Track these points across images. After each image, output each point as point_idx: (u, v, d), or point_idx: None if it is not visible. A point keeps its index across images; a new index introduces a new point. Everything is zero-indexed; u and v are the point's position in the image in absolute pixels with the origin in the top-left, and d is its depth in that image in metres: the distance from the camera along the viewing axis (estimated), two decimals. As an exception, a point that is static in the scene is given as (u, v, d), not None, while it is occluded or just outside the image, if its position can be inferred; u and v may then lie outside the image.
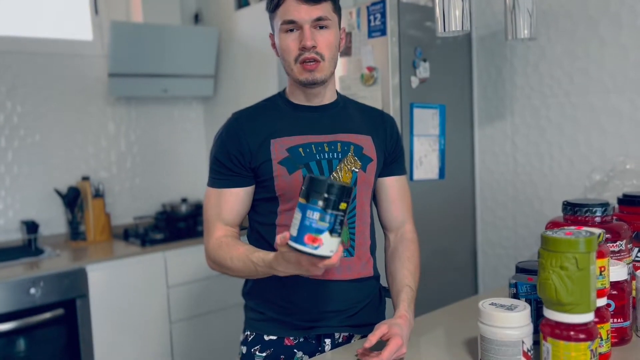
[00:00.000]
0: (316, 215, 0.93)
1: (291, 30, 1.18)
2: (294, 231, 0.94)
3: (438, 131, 2.05)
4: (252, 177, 1.24)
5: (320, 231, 0.93)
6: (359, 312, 1.29)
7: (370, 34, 1.93)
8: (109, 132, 2.93)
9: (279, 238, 0.98)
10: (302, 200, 0.94)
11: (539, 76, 2.02)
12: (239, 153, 1.22)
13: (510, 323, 1.01)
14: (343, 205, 0.93)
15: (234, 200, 1.24)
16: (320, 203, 0.92)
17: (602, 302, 1.07)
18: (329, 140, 1.25)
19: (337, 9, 1.23)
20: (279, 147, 1.22)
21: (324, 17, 1.17)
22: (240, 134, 1.23)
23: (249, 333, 1.31)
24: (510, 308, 1.04)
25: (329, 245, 0.94)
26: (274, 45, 1.26)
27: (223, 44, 3.06)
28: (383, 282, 1.37)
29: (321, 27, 1.19)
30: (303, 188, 0.95)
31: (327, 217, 0.93)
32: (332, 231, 0.93)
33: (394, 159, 1.35)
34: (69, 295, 2.25)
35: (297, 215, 0.95)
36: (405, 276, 1.27)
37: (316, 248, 0.93)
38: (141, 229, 2.83)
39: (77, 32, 2.88)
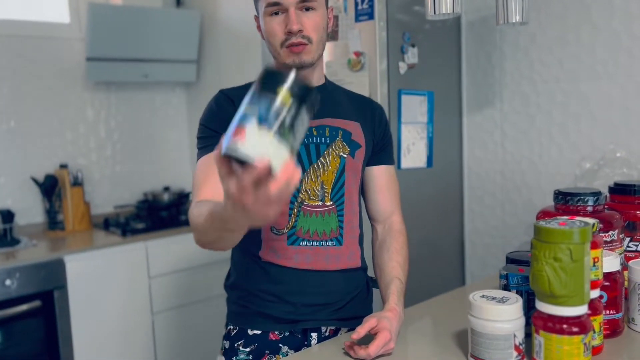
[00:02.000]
0: (246, 100, 0.68)
1: (276, 13, 1.14)
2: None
3: (426, 118, 2.01)
4: None
5: (244, 118, 0.66)
6: (346, 305, 1.25)
7: (357, 18, 1.87)
8: (88, 118, 2.85)
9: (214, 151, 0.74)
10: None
11: (529, 62, 1.98)
12: (229, 119, 1.17)
13: (501, 316, 0.98)
14: (284, 95, 0.66)
15: None
16: (254, 87, 0.68)
17: (595, 293, 1.04)
18: (317, 125, 1.21)
19: None
20: None
21: None
22: (230, 105, 1.19)
23: (232, 327, 1.27)
24: (501, 300, 1.01)
25: (252, 140, 0.65)
26: (259, 27, 1.22)
27: (206, 28, 2.98)
28: (370, 273, 1.34)
29: (307, 9, 1.14)
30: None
31: (256, 101, 0.66)
32: (262, 121, 0.65)
33: (382, 147, 1.32)
34: (46, 287, 2.19)
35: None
36: (394, 268, 1.23)
37: (235, 145, 0.65)
38: (122, 218, 2.76)
39: (53, 14, 2.77)
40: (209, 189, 1.09)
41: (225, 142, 0.67)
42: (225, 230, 0.89)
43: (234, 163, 0.68)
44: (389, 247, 1.27)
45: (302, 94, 0.68)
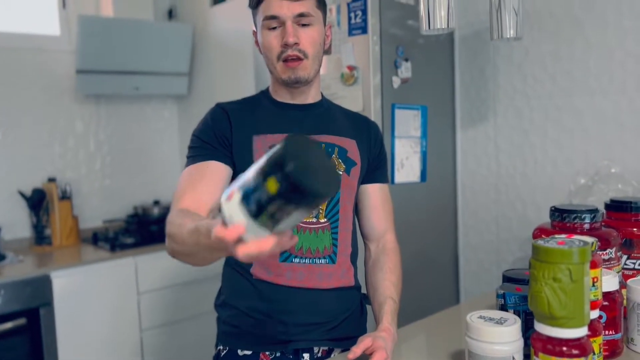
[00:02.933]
0: (254, 165, 0.67)
1: (273, 27, 1.14)
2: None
3: (420, 133, 2.00)
4: (232, 161, 1.16)
5: (236, 185, 0.68)
6: (339, 324, 1.22)
7: (350, 32, 1.86)
8: (77, 131, 2.81)
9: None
10: None
11: (523, 77, 1.98)
12: (223, 134, 1.16)
13: (500, 338, 0.95)
14: (271, 183, 0.62)
15: (210, 173, 1.13)
16: (264, 156, 0.66)
17: (594, 314, 1.02)
18: None
19: (321, 5, 1.19)
20: (261, 144, 1.17)
21: (307, 13, 1.13)
22: (226, 119, 1.18)
23: (221, 347, 1.23)
24: (499, 322, 0.98)
25: (233, 208, 0.67)
26: (257, 42, 1.22)
27: (198, 41, 2.96)
28: (364, 291, 1.31)
29: (304, 24, 1.14)
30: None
31: (247, 179, 0.66)
32: (243, 197, 0.66)
33: (377, 165, 1.31)
34: (31, 304, 2.13)
35: None
36: (388, 288, 1.21)
37: (227, 199, 0.68)
38: (111, 232, 2.72)
39: (44, 26, 2.75)
40: (191, 197, 1.08)
41: (227, 189, 0.69)
42: (207, 250, 0.85)
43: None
44: (383, 266, 1.25)
45: (292, 196, 0.63)
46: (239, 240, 0.67)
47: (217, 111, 1.21)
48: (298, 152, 0.63)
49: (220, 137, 1.16)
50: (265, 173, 0.63)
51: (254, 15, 1.18)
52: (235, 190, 0.67)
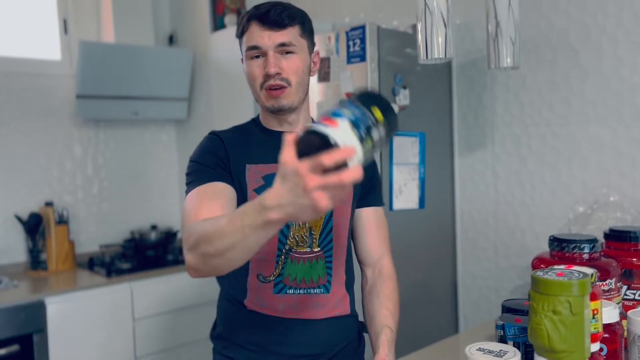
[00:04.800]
0: (343, 107, 0.75)
1: (257, 57, 1.15)
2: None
3: (418, 159, 2.00)
4: (234, 185, 1.13)
5: (339, 115, 0.73)
6: (335, 356, 1.21)
7: (349, 60, 1.87)
8: (75, 155, 2.81)
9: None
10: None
11: (520, 105, 1.99)
12: (222, 157, 1.15)
13: (500, 372, 0.93)
14: (377, 113, 0.74)
15: (221, 193, 1.08)
16: (352, 97, 0.77)
17: (595, 347, 1.00)
18: None
19: (306, 33, 1.18)
20: (254, 174, 1.16)
21: (289, 42, 1.13)
22: (222, 146, 1.17)
23: (216, 378, 1.21)
24: (499, 354, 0.97)
25: (341, 133, 0.71)
26: (245, 70, 1.21)
27: (198, 66, 2.99)
28: (361, 318, 1.29)
29: (287, 52, 1.14)
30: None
31: (353, 109, 0.74)
32: (354, 123, 0.72)
33: (370, 189, 1.30)
34: (25, 330, 2.11)
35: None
36: (385, 316, 1.19)
37: (326, 126, 0.71)
38: (107, 257, 2.70)
39: (45, 51, 2.77)
40: (207, 212, 1.01)
41: (312, 126, 0.73)
42: (254, 231, 0.79)
43: (306, 145, 0.72)
44: (379, 293, 1.23)
45: (391, 122, 0.76)
46: (343, 167, 0.68)
47: (213, 138, 1.20)
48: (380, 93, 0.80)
49: (220, 160, 1.15)
50: (367, 104, 0.74)
51: (240, 44, 1.19)
52: (336, 120, 0.72)
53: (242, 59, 1.21)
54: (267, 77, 1.13)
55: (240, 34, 1.17)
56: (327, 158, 0.67)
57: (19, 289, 2.25)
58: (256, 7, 1.15)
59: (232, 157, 1.16)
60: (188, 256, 0.94)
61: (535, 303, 0.92)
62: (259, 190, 1.14)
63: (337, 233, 1.21)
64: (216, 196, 1.07)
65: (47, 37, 2.78)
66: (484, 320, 2.06)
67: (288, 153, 0.71)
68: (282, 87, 1.14)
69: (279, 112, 1.17)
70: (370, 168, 1.31)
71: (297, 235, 1.16)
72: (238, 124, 1.28)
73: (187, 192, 1.13)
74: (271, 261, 1.15)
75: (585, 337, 0.90)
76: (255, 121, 1.26)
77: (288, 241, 1.16)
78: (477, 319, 2.15)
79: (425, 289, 2.07)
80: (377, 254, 1.29)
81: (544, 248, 1.88)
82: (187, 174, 1.16)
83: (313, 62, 1.21)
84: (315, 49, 1.24)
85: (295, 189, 0.69)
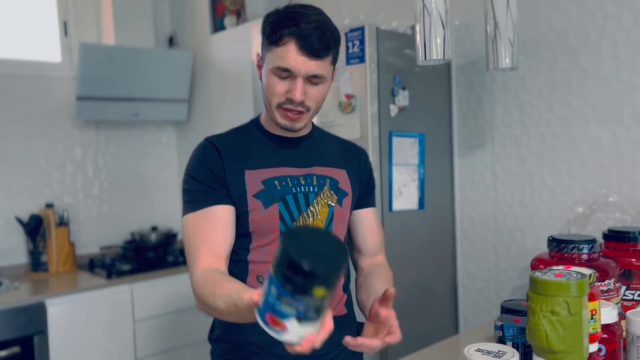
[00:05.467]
0: (282, 298, 0.71)
1: (283, 77, 1.10)
2: (260, 299, 0.76)
3: (417, 160, 2.00)
4: (231, 199, 1.14)
5: (283, 316, 0.72)
6: (337, 356, 1.21)
7: (348, 61, 1.88)
8: (76, 157, 2.81)
9: (246, 298, 0.82)
10: (270, 269, 0.74)
11: (519, 105, 1.99)
12: (218, 171, 1.14)
13: (498, 373, 0.93)
14: (319, 292, 0.70)
15: (221, 221, 1.11)
16: (288, 286, 0.70)
17: (593, 347, 1.00)
18: (304, 174, 1.19)
19: (335, 59, 1.16)
20: (253, 179, 1.15)
21: (320, 75, 1.10)
22: (217, 156, 1.15)
23: (216, 380, 1.21)
24: (497, 355, 0.97)
25: (295, 332, 0.73)
26: (259, 67, 1.18)
27: (198, 68, 2.99)
28: (358, 318, 1.29)
29: (314, 83, 1.11)
30: (276, 252, 0.74)
31: (294, 303, 0.71)
32: (301, 318, 0.72)
33: (367, 191, 1.32)
34: (25, 332, 2.11)
35: (265, 284, 0.75)
36: (384, 287, 1.16)
37: (278, 333, 0.74)
38: (108, 259, 2.70)
39: (46, 53, 2.78)
40: (208, 253, 1.08)
41: (261, 314, 0.75)
42: (251, 319, 0.85)
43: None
44: (378, 275, 1.22)
45: (333, 282, 0.72)
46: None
47: (208, 147, 1.18)
48: (311, 254, 0.71)
49: (218, 175, 1.14)
50: (305, 289, 0.70)
51: (266, 48, 1.13)
52: (283, 323, 0.73)
53: (259, 56, 1.17)
54: (289, 100, 1.10)
55: (272, 42, 1.09)
56: (288, 349, 0.76)
57: (19, 291, 2.25)
58: (295, 21, 1.07)
59: (228, 166, 1.15)
60: (195, 300, 1.07)
61: (533, 304, 0.92)
62: (259, 195, 1.13)
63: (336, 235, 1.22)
64: (215, 228, 1.10)
65: (48, 39, 2.79)
66: (484, 321, 2.06)
67: None
68: (300, 112, 1.12)
69: (289, 130, 1.16)
70: (367, 173, 1.32)
71: None
72: (236, 127, 1.26)
73: (184, 211, 1.14)
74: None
75: (583, 337, 0.90)
76: (255, 123, 1.24)
77: None
78: (478, 320, 2.15)
79: (425, 290, 2.07)
80: (374, 249, 1.31)
81: (543, 249, 1.88)
82: (184, 190, 1.16)
83: (332, 78, 1.19)
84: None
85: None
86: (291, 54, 1.07)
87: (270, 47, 1.10)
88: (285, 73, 1.09)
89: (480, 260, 2.14)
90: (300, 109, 1.12)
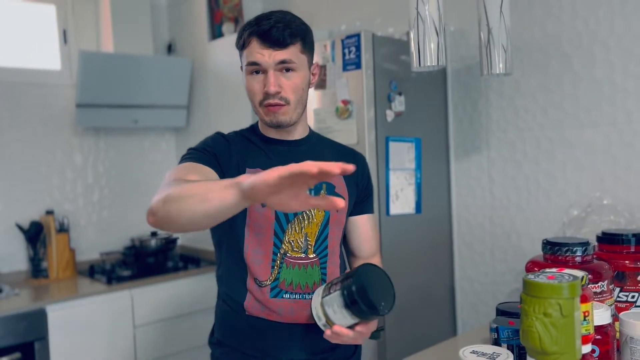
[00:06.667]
0: (337, 306, 1.03)
1: (256, 72, 1.15)
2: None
3: (414, 165, 2.02)
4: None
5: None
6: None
7: (344, 67, 1.90)
8: (76, 164, 2.83)
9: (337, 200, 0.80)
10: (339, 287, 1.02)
11: (514, 110, 2.01)
12: (220, 156, 1.17)
13: (492, 374, 0.95)
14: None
15: (203, 170, 1.11)
16: (351, 307, 1.00)
17: (586, 348, 1.02)
18: None
19: (307, 48, 1.19)
20: None
21: (289, 60, 1.14)
22: (227, 146, 1.20)
23: (216, 384, 1.23)
24: (492, 357, 0.98)
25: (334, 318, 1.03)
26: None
27: (196, 75, 3.01)
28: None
29: (287, 70, 1.15)
30: (349, 281, 0.99)
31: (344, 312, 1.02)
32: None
33: (365, 197, 1.34)
34: (26, 338, 2.12)
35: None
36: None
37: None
38: (108, 265, 2.72)
39: (45, 61, 2.80)
40: (194, 177, 1.05)
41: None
42: (225, 186, 0.85)
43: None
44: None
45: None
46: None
47: (219, 138, 1.23)
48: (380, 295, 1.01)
49: (218, 155, 1.17)
50: (365, 316, 1.01)
51: (240, 55, 1.20)
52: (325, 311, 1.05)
53: (241, 67, 1.23)
54: (267, 95, 1.14)
55: (240, 47, 1.17)
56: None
57: (20, 297, 2.27)
58: (258, 21, 1.14)
59: (234, 157, 1.19)
60: (154, 198, 0.97)
61: (526, 306, 0.94)
62: None
63: (332, 240, 1.23)
64: (196, 170, 1.10)
65: (47, 47, 2.81)
66: (481, 324, 2.07)
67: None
68: (280, 105, 1.15)
69: (277, 127, 1.19)
70: (365, 178, 1.34)
71: (292, 240, 1.18)
72: (238, 130, 1.30)
73: (181, 159, 1.18)
74: (267, 265, 1.17)
75: (576, 338, 0.92)
76: (254, 128, 1.28)
77: (283, 245, 1.18)
78: (476, 323, 2.16)
79: (423, 293, 2.09)
80: (370, 253, 1.34)
81: (540, 251, 1.90)
82: (182, 156, 1.19)
83: (312, 74, 1.22)
84: (315, 60, 1.25)
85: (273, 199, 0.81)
86: (256, 49, 1.13)
87: (241, 53, 1.18)
88: (256, 67, 1.14)
89: (478, 263, 2.15)
90: (278, 101, 1.15)
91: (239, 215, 1.16)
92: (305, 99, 1.21)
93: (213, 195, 0.85)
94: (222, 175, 1.15)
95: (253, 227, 1.17)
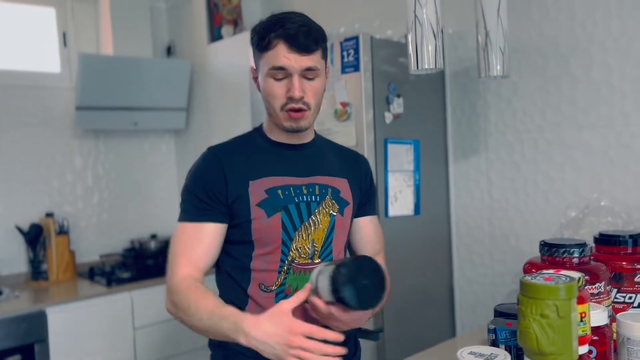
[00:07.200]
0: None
1: (279, 78, 1.14)
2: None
3: (413, 166, 2.03)
4: (227, 213, 1.17)
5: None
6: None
7: (343, 70, 1.91)
8: (75, 166, 2.84)
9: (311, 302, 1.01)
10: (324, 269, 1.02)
11: (512, 112, 2.02)
12: (216, 187, 1.16)
13: (490, 375, 0.96)
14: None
15: (207, 236, 1.15)
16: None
17: (583, 349, 1.03)
18: (307, 183, 1.21)
19: (325, 54, 1.20)
20: (257, 188, 1.17)
21: (314, 67, 1.14)
22: (219, 169, 1.17)
23: (216, 386, 1.23)
24: (489, 358, 0.99)
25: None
26: (255, 79, 1.22)
27: (196, 77, 3.02)
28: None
29: (310, 78, 1.15)
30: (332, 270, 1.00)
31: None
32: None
33: (367, 200, 1.34)
34: (26, 340, 2.13)
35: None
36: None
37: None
38: (108, 267, 2.72)
39: (45, 64, 2.81)
40: (188, 262, 1.14)
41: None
42: (225, 336, 1.04)
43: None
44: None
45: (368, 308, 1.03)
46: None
47: (210, 160, 1.19)
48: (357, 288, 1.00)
49: (214, 192, 1.16)
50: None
51: (258, 57, 1.17)
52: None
53: (253, 68, 1.21)
54: (290, 99, 1.13)
55: (263, 48, 1.14)
56: (321, 333, 0.93)
57: (20, 300, 2.27)
58: (281, 24, 1.12)
59: (231, 175, 1.17)
60: (168, 303, 1.15)
61: (523, 307, 0.95)
62: (262, 204, 1.15)
63: (337, 245, 1.24)
64: (201, 242, 1.16)
65: (47, 50, 2.82)
66: (480, 325, 2.08)
67: (290, 305, 0.97)
68: (302, 110, 1.15)
69: (296, 132, 1.19)
70: (368, 181, 1.34)
71: (300, 247, 1.19)
72: (239, 135, 1.28)
73: (179, 216, 1.19)
74: (274, 272, 1.18)
75: (572, 339, 0.92)
76: (259, 131, 1.26)
77: (291, 253, 1.18)
78: (475, 324, 2.17)
79: (422, 295, 2.10)
80: (372, 253, 1.33)
81: (538, 252, 1.91)
82: (181, 198, 1.20)
83: (326, 77, 1.22)
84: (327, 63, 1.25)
85: (279, 339, 0.95)
86: (282, 53, 1.11)
87: (261, 54, 1.15)
88: (281, 73, 1.13)
89: (476, 264, 2.16)
90: (301, 106, 1.14)
91: (244, 234, 1.17)
92: (321, 104, 1.21)
93: (218, 334, 1.05)
94: (226, 207, 1.16)
95: (260, 238, 1.17)
